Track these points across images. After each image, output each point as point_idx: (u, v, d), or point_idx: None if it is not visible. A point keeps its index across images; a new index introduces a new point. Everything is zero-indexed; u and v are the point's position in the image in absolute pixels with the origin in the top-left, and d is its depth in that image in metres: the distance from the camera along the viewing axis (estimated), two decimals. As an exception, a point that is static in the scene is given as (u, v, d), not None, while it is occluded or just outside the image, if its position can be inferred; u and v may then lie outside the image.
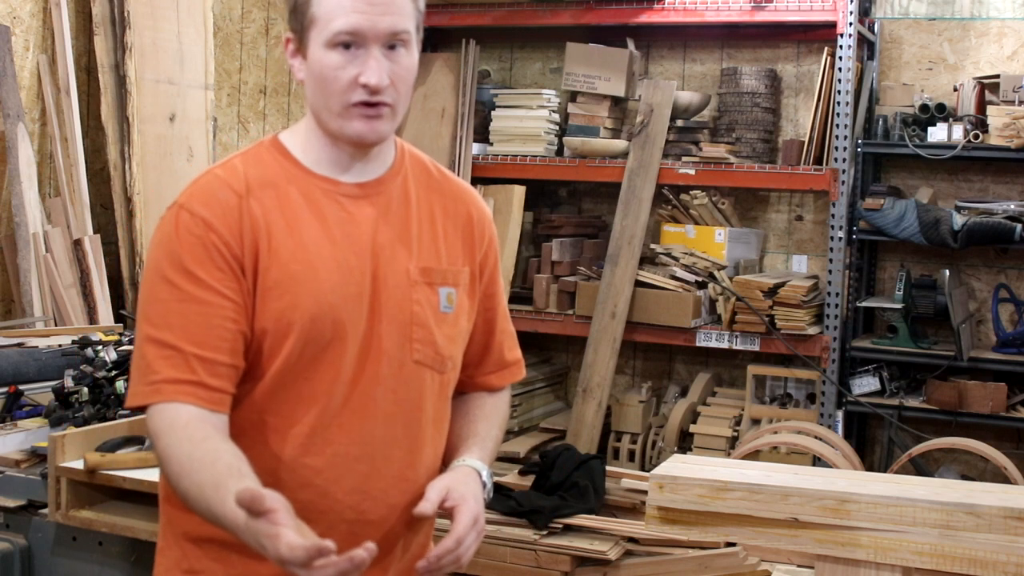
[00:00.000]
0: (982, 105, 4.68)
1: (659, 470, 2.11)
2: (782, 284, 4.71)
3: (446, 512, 1.65)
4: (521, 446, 4.92)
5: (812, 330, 4.70)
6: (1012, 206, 4.59)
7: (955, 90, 4.78)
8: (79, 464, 2.53)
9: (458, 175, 5.10)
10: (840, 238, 4.69)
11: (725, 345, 4.79)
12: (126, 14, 4.19)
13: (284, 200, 1.66)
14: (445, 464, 1.79)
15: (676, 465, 2.15)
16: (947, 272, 4.56)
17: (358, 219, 1.68)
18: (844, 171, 4.68)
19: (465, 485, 1.69)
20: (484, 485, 1.72)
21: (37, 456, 2.75)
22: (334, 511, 1.66)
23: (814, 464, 3.88)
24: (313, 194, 1.67)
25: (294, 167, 1.69)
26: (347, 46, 1.61)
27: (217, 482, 1.49)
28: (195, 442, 1.54)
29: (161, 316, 1.60)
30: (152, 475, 2.42)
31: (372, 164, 1.72)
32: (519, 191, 5.19)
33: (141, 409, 1.63)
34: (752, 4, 4.81)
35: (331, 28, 1.60)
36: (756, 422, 4.79)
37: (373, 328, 1.67)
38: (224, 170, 1.68)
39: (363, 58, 1.61)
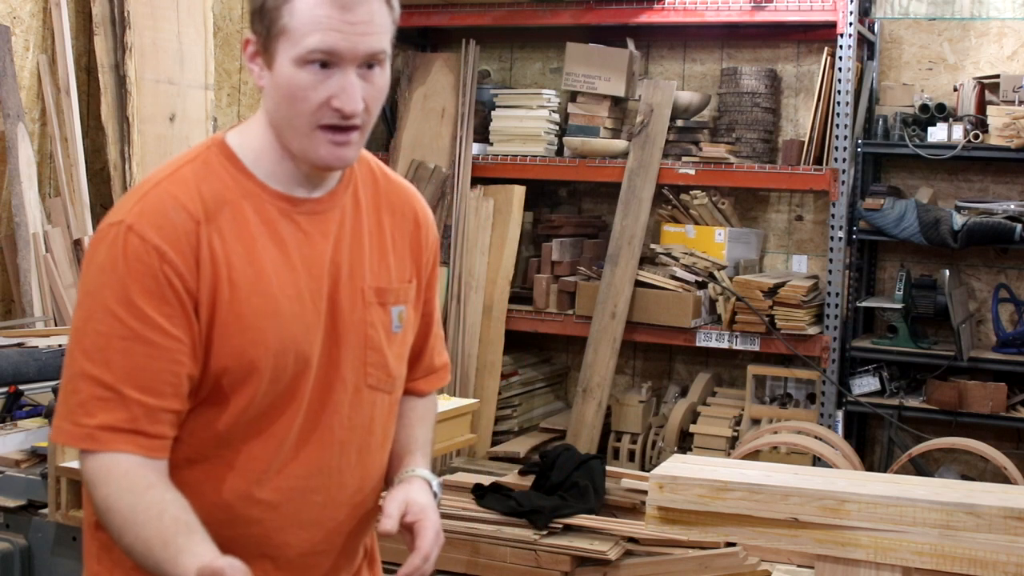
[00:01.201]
0: (982, 105, 4.68)
1: (659, 470, 2.11)
2: (782, 284, 4.70)
3: (405, 527, 1.60)
4: (521, 446, 4.92)
5: (812, 330, 4.69)
6: (1012, 206, 4.59)
7: (955, 90, 4.78)
8: (79, 464, 2.52)
9: (458, 175, 5.20)
10: (840, 238, 4.69)
11: (725, 345, 4.79)
12: (126, 14, 4.19)
13: (241, 223, 1.52)
14: (389, 473, 1.73)
15: (676, 465, 2.15)
16: (947, 272, 4.56)
17: (314, 239, 1.57)
18: (844, 171, 4.68)
19: (422, 497, 1.63)
20: (435, 495, 1.68)
21: (37, 456, 2.75)
22: (289, 545, 1.60)
23: (814, 464, 3.88)
24: (269, 214, 1.55)
25: (247, 180, 1.55)
26: (321, 64, 1.47)
27: (165, 539, 1.41)
28: (137, 493, 1.44)
29: (100, 351, 1.45)
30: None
31: (326, 177, 1.60)
32: (519, 191, 5.19)
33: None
34: (752, 4, 4.81)
35: (305, 44, 1.46)
36: (756, 422, 4.78)
37: (330, 355, 1.59)
38: (175, 185, 1.51)
39: (338, 79, 1.48)
